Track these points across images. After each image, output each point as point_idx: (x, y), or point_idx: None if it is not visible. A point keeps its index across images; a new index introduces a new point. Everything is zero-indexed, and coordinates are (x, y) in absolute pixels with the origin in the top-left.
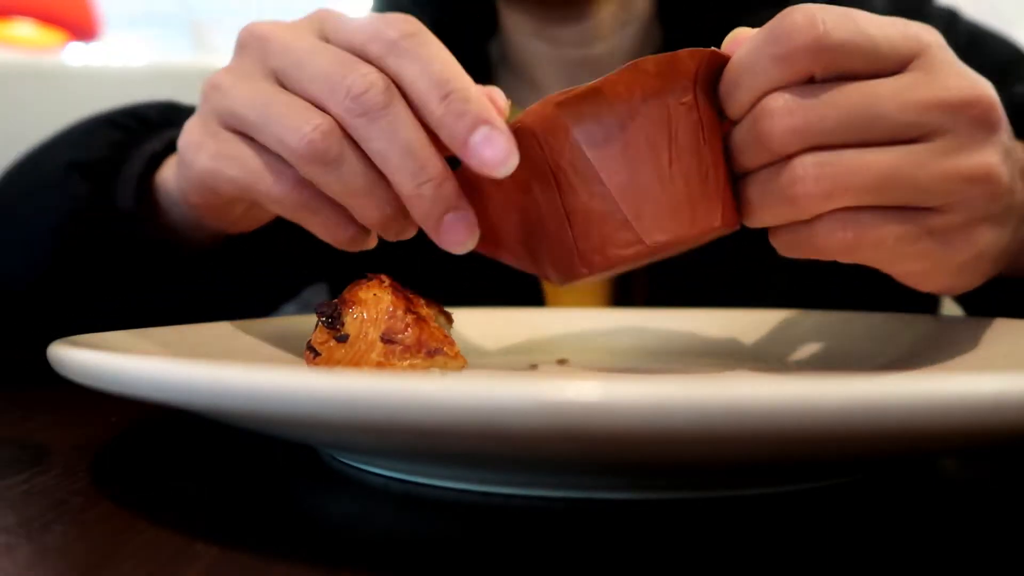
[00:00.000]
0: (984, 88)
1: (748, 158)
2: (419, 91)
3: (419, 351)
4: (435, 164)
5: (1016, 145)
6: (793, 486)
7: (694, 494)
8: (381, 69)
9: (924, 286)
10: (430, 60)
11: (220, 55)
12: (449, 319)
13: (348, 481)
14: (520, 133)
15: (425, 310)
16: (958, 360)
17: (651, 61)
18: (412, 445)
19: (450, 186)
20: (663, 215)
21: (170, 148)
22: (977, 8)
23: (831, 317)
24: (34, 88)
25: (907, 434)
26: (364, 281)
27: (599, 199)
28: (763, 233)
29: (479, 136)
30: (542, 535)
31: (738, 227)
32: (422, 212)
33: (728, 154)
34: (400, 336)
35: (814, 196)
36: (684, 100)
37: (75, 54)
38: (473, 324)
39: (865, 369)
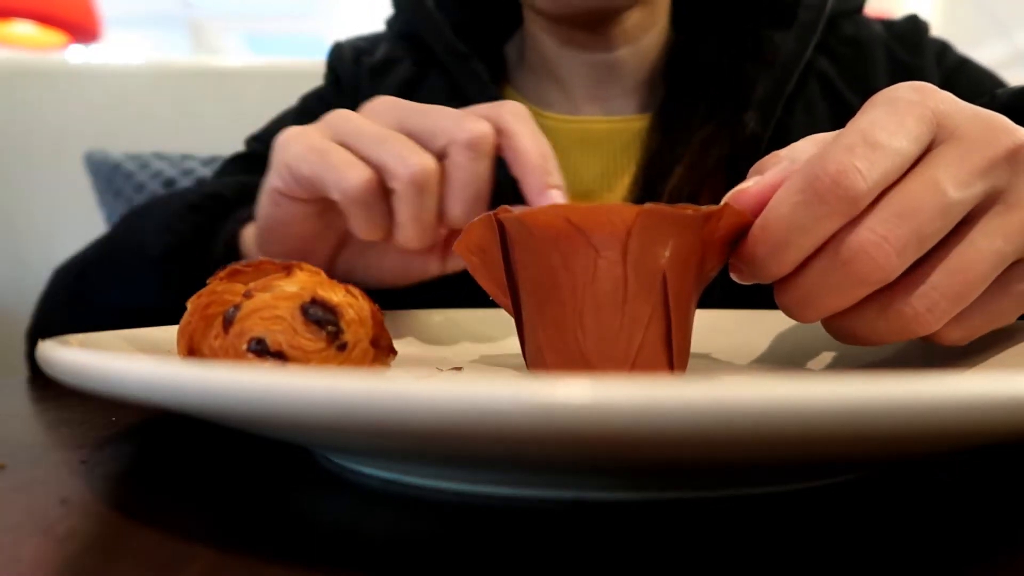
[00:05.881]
0: (1015, 129)
1: (840, 299)
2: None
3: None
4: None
5: None
6: (792, 486)
7: (691, 494)
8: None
9: None
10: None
11: (220, 55)
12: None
13: (347, 483)
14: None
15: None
16: (955, 360)
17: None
18: (404, 447)
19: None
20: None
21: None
22: (976, 11)
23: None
24: (35, 88)
25: (900, 436)
26: (314, 274)
27: None
28: None
29: None
30: (541, 535)
31: None
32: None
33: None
34: (383, 341)
35: (943, 312)
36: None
37: (75, 54)
38: (473, 324)
39: (858, 370)
